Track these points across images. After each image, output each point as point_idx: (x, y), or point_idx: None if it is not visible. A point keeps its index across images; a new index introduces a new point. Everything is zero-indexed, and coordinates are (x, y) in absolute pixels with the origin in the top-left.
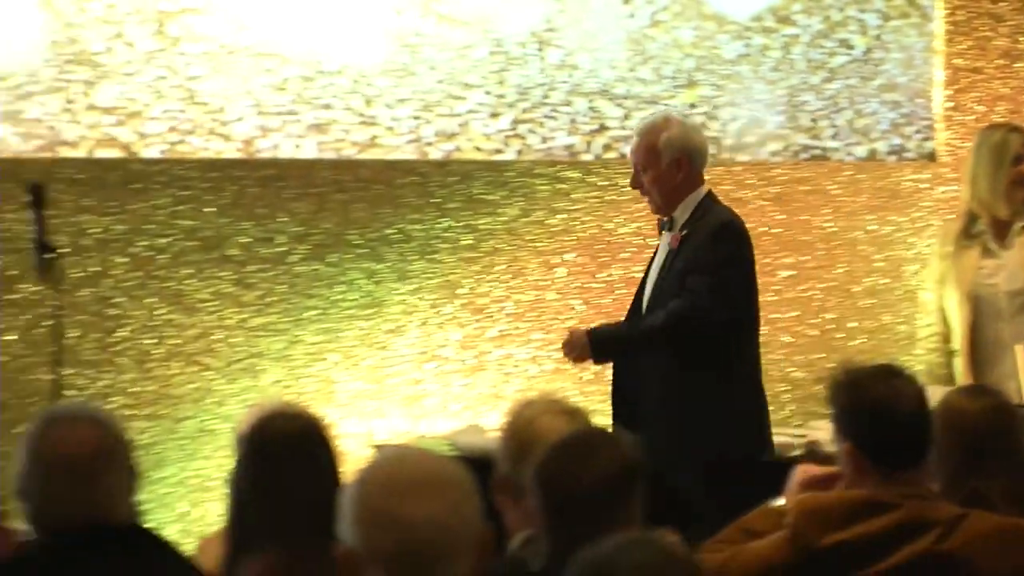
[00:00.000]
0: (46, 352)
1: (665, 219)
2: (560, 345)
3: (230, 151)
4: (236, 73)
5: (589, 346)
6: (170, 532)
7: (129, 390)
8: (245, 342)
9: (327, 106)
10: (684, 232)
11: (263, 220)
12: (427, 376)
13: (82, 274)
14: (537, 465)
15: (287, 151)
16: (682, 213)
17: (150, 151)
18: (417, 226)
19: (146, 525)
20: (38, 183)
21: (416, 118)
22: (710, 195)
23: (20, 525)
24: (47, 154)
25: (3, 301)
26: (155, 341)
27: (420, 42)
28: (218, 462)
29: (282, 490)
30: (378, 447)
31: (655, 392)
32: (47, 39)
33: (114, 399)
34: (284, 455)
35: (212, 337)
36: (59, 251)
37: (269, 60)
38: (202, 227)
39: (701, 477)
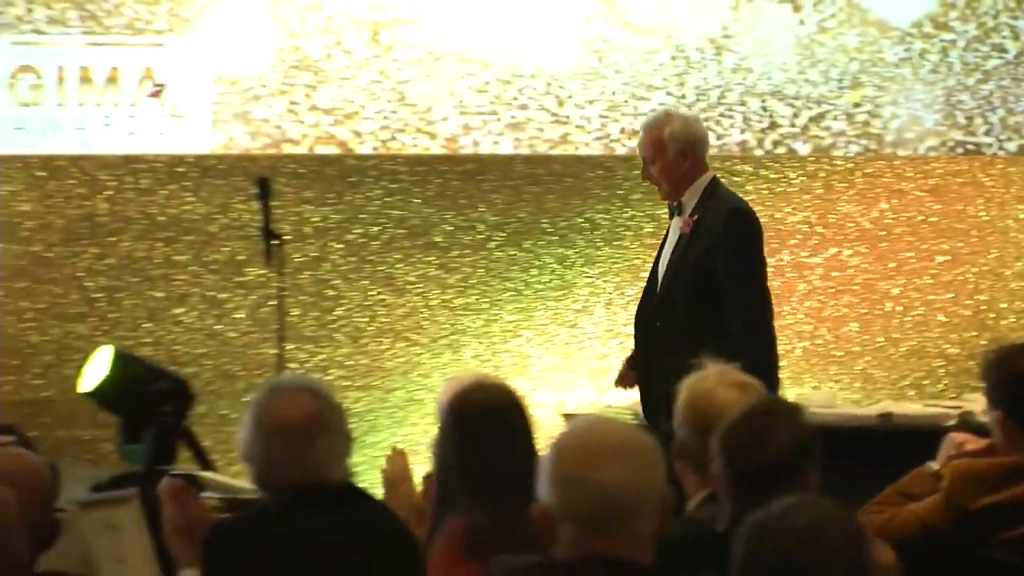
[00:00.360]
0: (271, 329)
1: (674, 204)
2: None
3: (436, 148)
4: (442, 77)
5: None
6: (380, 492)
7: (345, 363)
8: (448, 320)
9: (523, 106)
10: (695, 217)
11: (464, 210)
12: (612, 351)
13: (303, 259)
14: (722, 435)
15: (486, 147)
16: (690, 198)
17: (364, 148)
18: (603, 215)
19: (359, 484)
20: (265, 176)
21: (603, 117)
22: (715, 180)
23: (247, 485)
24: (272, 150)
25: (233, 283)
26: (368, 319)
27: (607, 48)
28: (424, 428)
29: (481, 455)
30: (568, 417)
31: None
32: (274, 47)
33: (331, 372)
34: (483, 425)
35: (419, 316)
36: (283, 238)
37: (471, 65)
38: (410, 216)
39: None
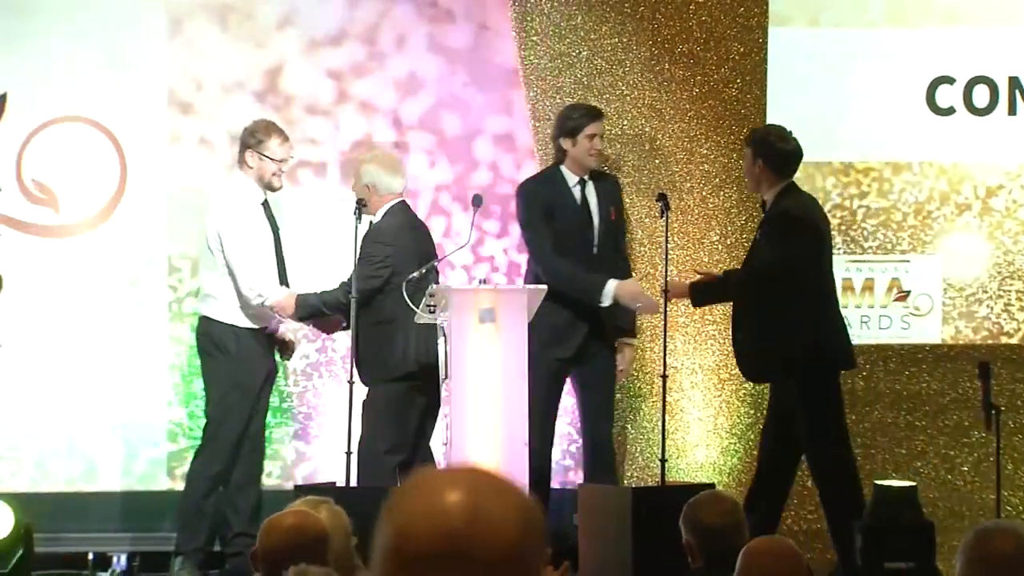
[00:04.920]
0: (990, 479)
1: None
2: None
3: None
4: None
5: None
6: None
7: None
8: None
9: None
10: None
11: None
12: None
13: (1015, 426)
14: None
15: None
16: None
17: None
18: None
19: None
20: (985, 361)
21: None
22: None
23: None
24: (991, 341)
25: (960, 443)
26: None
27: None
28: None
29: None
30: None
31: None
32: (989, 261)
33: None
34: None
35: None
36: (1001, 410)
37: None
38: None
39: None
